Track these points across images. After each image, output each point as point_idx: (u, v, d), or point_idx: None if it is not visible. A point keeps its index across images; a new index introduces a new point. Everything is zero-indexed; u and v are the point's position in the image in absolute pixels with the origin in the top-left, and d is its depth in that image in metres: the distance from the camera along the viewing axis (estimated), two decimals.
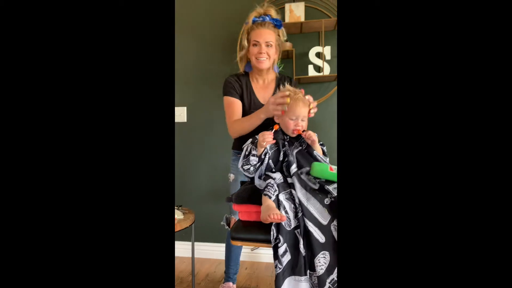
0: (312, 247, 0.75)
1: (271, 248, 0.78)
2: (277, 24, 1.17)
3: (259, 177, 0.93)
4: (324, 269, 0.74)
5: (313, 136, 0.93)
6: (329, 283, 0.73)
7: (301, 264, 0.76)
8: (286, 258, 0.76)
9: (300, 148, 0.96)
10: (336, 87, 1.63)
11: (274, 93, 1.17)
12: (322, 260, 0.75)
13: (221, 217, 1.77)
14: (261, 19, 1.15)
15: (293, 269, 0.76)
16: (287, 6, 1.61)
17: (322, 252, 0.75)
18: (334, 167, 0.83)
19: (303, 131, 0.95)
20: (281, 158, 0.94)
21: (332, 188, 0.81)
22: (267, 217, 0.75)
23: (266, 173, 0.91)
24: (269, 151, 0.93)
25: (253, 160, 0.92)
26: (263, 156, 0.92)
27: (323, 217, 0.78)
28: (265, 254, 1.77)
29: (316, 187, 0.83)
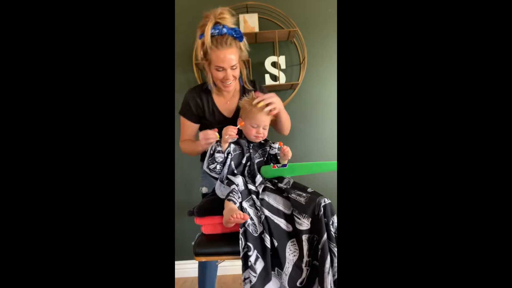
0: (281, 239, 0.77)
1: (240, 260, 0.76)
2: (238, 36, 1.02)
3: (221, 181, 0.90)
4: (297, 255, 0.75)
5: (288, 154, 0.98)
6: (305, 266, 0.75)
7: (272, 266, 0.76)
8: (260, 265, 0.75)
9: (261, 159, 0.99)
10: (292, 95, 1.69)
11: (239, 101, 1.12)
12: (293, 248, 0.77)
13: (186, 235, 1.70)
14: (217, 31, 0.97)
15: (268, 274, 0.75)
16: (241, 16, 1.63)
17: (291, 240, 0.77)
18: (281, 164, 0.92)
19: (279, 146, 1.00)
20: (243, 161, 0.94)
21: (284, 183, 0.90)
22: (229, 217, 0.73)
23: (229, 176, 0.89)
24: (231, 152, 0.92)
25: (219, 157, 0.91)
26: (225, 155, 0.91)
27: (286, 206, 0.83)
28: (230, 266, 1.73)
29: (274, 188, 0.90)
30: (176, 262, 1.77)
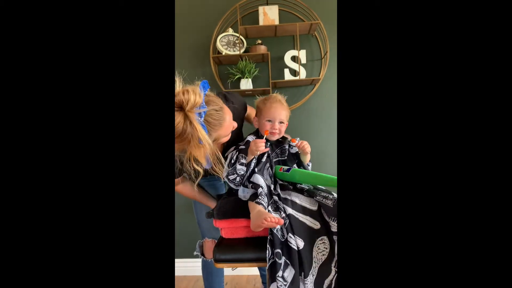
0: (307, 238, 0.72)
1: (266, 268, 0.71)
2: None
3: (244, 185, 0.85)
4: (327, 254, 0.70)
5: (306, 148, 0.92)
6: (334, 266, 0.70)
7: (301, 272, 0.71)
8: (290, 273, 0.69)
9: (279, 158, 0.94)
10: (312, 91, 1.61)
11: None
12: (322, 246, 0.72)
13: (196, 232, 1.66)
14: (201, 118, 0.72)
15: (297, 282, 0.70)
16: (260, 8, 1.56)
17: (320, 238, 0.72)
18: (286, 168, 0.88)
19: (295, 140, 0.93)
20: (263, 159, 0.89)
21: (298, 186, 0.86)
22: (262, 221, 0.67)
23: (252, 180, 0.83)
24: (255, 157, 0.87)
25: (240, 169, 0.85)
26: (246, 168, 0.85)
27: (311, 203, 0.79)
28: (245, 268, 1.68)
29: (291, 188, 0.86)
30: (178, 260, 1.74)
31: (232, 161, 0.87)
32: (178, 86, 0.69)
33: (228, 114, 0.79)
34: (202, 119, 0.71)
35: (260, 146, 0.82)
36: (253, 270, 1.69)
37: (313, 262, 0.70)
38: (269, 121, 0.90)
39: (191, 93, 0.67)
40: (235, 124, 0.84)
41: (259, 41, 1.57)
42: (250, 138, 0.93)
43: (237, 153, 0.87)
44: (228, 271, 1.67)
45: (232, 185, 0.89)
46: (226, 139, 0.83)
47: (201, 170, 0.75)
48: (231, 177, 0.86)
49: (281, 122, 0.91)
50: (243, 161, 0.85)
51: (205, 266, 1.18)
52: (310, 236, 0.73)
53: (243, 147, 0.89)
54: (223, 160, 0.87)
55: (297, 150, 0.96)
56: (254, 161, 0.86)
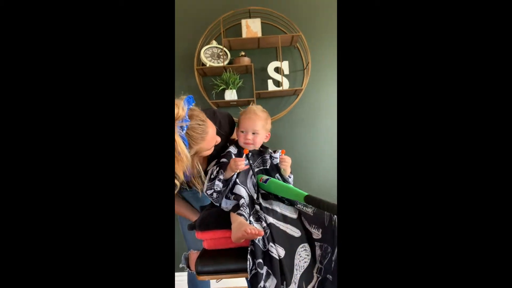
0: (289, 246, 0.72)
1: (248, 280, 0.71)
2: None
3: (226, 197, 0.86)
4: (308, 261, 0.71)
5: (283, 162, 0.93)
6: (316, 272, 0.71)
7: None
8: (272, 283, 0.69)
9: (261, 167, 0.96)
10: (295, 101, 1.65)
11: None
12: (304, 253, 0.73)
13: (182, 244, 1.64)
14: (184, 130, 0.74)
15: None
16: (243, 21, 1.60)
17: (301, 246, 0.73)
18: (265, 178, 0.89)
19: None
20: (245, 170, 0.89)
21: (281, 196, 0.87)
22: (242, 233, 0.67)
23: (235, 192, 0.84)
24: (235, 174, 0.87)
25: (218, 185, 0.85)
26: (223, 184, 0.86)
27: (291, 212, 0.81)
28: (232, 280, 1.66)
29: (273, 197, 0.87)
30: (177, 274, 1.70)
31: (212, 176, 0.87)
32: None
33: (211, 128, 0.81)
34: (184, 132, 0.72)
35: (240, 165, 0.82)
36: (240, 282, 1.67)
37: (295, 270, 0.71)
38: (242, 132, 0.93)
39: (175, 106, 0.70)
40: (218, 139, 0.85)
41: (243, 53, 1.60)
42: (232, 149, 0.94)
43: (217, 168, 0.88)
44: (216, 284, 1.65)
45: (211, 200, 0.89)
46: (208, 152, 0.85)
47: (177, 183, 0.75)
48: (209, 192, 0.86)
49: (254, 133, 0.92)
50: (221, 177, 0.85)
51: (191, 279, 1.16)
52: (291, 244, 0.74)
53: (225, 160, 0.89)
54: (203, 173, 0.88)
55: (277, 161, 0.97)
56: (234, 176, 0.87)
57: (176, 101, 0.73)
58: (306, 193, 0.75)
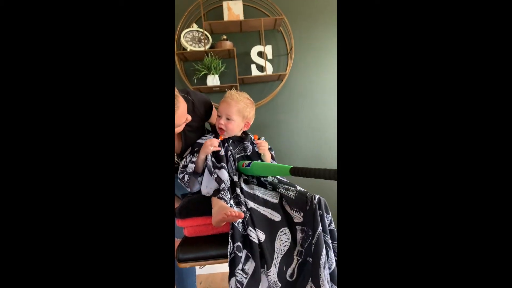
0: (269, 230, 0.73)
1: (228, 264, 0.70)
2: None
3: (210, 172, 0.85)
4: (289, 245, 0.72)
5: (260, 147, 0.94)
6: (296, 255, 0.72)
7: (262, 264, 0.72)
8: (251, 266, 0.70)
9: (242, 154, 0.95)
10: (279, 87, 1.62)
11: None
12: (284, 237, 0.73)
13: None
14: None
15: (258, 274, 0.70)
16: (225, 4, 1.54)
17: (281, 230, 0.74)
18: (247, 162, 0.88)
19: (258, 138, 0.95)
20: (221, 153, 0.89)
21: (263, 180, 0.89)
22: (223, 216, 0.67)
23: (217, 172, 0.83)
24: (208, 155, 0.88)
25: (190, 167, 0.85)
26: (208, 162, 0.86)
27: (272, 197, 0.81)
28: (219, 266, 1.67)
29: (255, 182, 0.88)
30: None
31: (185, 163, 0.87)
32: None
33: (182, 104, 0.79)
34: None
35: (215, 143, 0.84)
36: (227, 268, 1.68)
37: (275, 253, 0.71)
38: (219, 116, 0.92)
39: None
40: (189, 117, 0.84)
41: (225, 37, 1.55)
42: (209, 135, 0.94)
43: (191, 153, 0.88)
44: (203, 270, 1.66)
45: (183, 186, 0.88)
46: (178, 129, 0.83)
47: None
48: (181, 175, 0.86)
49: (228, 119, 0.91)
50: (194, 159, 0.86)
51: (176, 269, 1.15)
52: (272, 228, 0.74)
53: (200, 142, 0.90)
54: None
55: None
56: (210, 157, 0.86)
57: None
58: (291, 166, 0.74)
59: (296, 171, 0.71)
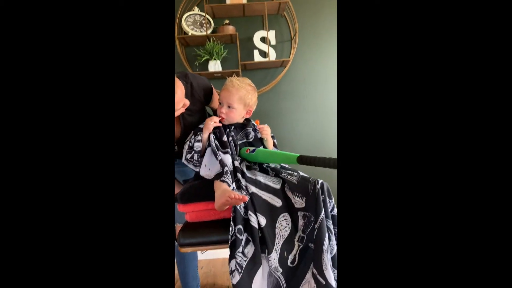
0: (270, 215, 0.73)
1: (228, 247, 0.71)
2: None
3: (214, 153, 0.84)
4: (289, 230, 0.72)
5: (263, 131, 0.93)
6: (297, 241, 0.72)
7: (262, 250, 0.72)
8: (251, 249, 0.70)
9: (244, 140, 0.94)
10: (282, 73, 1.59)
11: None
12: (284, 223, 0.73)
13: None
14: None
15: (258, 258, 0.70)
16: None
17: (282, 215, 0.74)
18: (252, 149, 0.87)
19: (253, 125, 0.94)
20: (224, 139, 0.88)
21: (265, 166, 0.88)
22: (226, 198, 0.66)
23: (220, 154, 0.82)
24: (212, 133, 0.88)
25: (197, 146, 0.85)
26: (212, 142, 0.85)
27: (274, 182, 0.80)
28: (220, 252, 1.70)
29: (257, 168, 0.87)
30: None
31: (190, 144, 0.86)
32: None
33: (179, 88, 0.77)
34: None
35: (215, 119, 0.86)
36: (228, 253, 1.71)
37: (276, 239, 0.71)
38: (220, 103, 0.92)
39: None
40: (187, 102, 0.81)
41: (227, 21, 1.51)
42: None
43: (194, 136, 0.88)
44: (204, 255, 1.68)
45: (191, 166, 0.87)
46: (175, 114, 0.81)
47: None
48: (188, 156, 0.86)
49: (229, 107, 0.89)
50: (199, 138, 0.86)
51: (178, 252, 1.17)
52: (272, 213, 0.74)
53: (201, 126, 0.90)
54: None
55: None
56: (212, 137, 0.86)
57: None
58: (298, 154, 0.73)
59: (303, 160, 0.70)
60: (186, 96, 0.82)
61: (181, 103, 0.78)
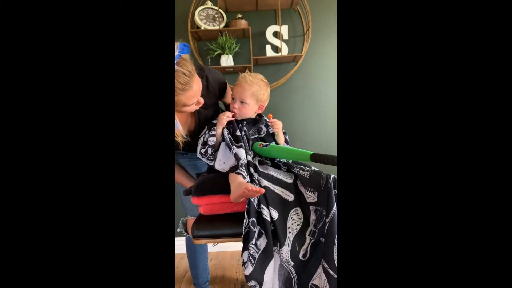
0: (281, 209, 0.74)
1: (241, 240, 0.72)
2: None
3: (229, 146, 0.85)
4: (301, 224, 0.73)
5: (275, 126, 0.93)
6: (309, 235, 0.73)
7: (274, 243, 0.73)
8: (263, 242, 0.71)
9: (256, 135, 0.95)
10: (295, 68, 1.59)
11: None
12: (296, 217, 0.75)
13: (180, 211, 1.66)
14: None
15: (270, 251, 0.72)
16: None
17: (293, 209, 0.75)
18: (265, 144, 0.88)
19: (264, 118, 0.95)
20: (237, 133, 0.89)
21: (277, 161, 0.89)
22: (243, 190, 0.67)
23: (234, 148, 0.83)
24: (225, 128, 0.90)
25: (211, 140, 0.87)
26: (226, 136, 0.87)
27: (286, 177, 0.81)
28: (229, 245, 1.72)
29: (269, 163, 0.88)
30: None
31: (205, 139, 0.88)
32: None
33: (196, 84, 0.76)
34: None
35: (228, 113, 0.88)
36: (237, 246, 1.73)
37: (288, 233, 0.72)
38: (233, 99, 0.93)
39: None
40: (201, 100, 0.82)
41: (240, 15, 1.51)
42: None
43: (208, 130, 0.90)
44: (213, 248, 1.70)
45: (205, 160, 0.89)
46: (187, 109, 0.80)
47: None
48: (203, 150, 0.88)
49: (242, 102, 0.90)
50: (213, 132, 0.88)
51: (189, 244, 1.19)
52: (284, 207, 0.75)
53: (215, 122, 0.91)
54: (181, 128, 0.86)
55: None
56: (226, 132, 0.88)
57: None
58: (311, 152, 0.73)
59: (316, 158, 0.70)
60: (202, 90, 0.83)
61: (194, 99, 0.78)
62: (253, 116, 0.97)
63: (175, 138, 0.83)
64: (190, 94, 0.75)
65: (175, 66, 0.70)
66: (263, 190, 0.68)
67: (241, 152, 0.81)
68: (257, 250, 0.70)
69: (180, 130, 0.83)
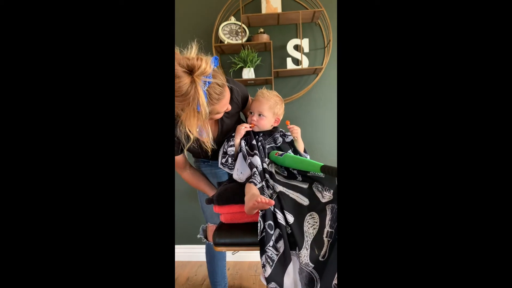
0: (297, 214, 0.76)
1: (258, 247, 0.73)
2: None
3: (244, 157, 0.90)
4: (317, 228, 0.74)
5: (294, 131, 0.99)
6: (326, 237, 0.73)
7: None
8: (282, 245, 0.73)
9: (273, 144, 1.00)
10: (315, 81, 1.60)
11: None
12: (312, 221, 0.76)
13: (200, 218, 1.70)
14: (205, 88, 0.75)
15: (288, 255, 0.73)
16: None
17: (309, 214, 0.76)
18: (281, 153, 0.92)
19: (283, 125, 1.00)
20: (253, 142, 0.94)
21: (292, 169, 0.89)
22: (254, 202, 0.69)
23: (250, 158, 0.87)
24: (243, 139, 0.96)
25: (231, 150, 0.93)
26: (243, 147, 0.93)
27: (301, 183, 0.84)
28: (247, 255, 1.72)
29: (285, 174, 0.90)
30: (179, 246, 1.78)
31: (224, 150, 0.94)
32: (194, 52, 0.75)
33: (227, 93, 0.83)
34: (205, 88, 0.75)
35: (245, 125, 0.94)
36: (254, 257, 1.73)
37: (305, 237, 0.72)
38: (251, 113, 1.00)
39: (204, 61, 0.73)
40: (229, 107, 0.88)
41: (262, 30, 1.56)
42: None
43: (227, 141, 0.96)
44: (231, 257, 1.72)
45: (226, 169, 0.94)
46: (218, 116, 0.87)
47: (191, 135, 0.78)
48: (223, 159, 0.93)
49: (260, 115, 0.97)
50: (232, 143, 0.94)
51: (209, 250, 1.22)
52: (300, 211, 0.76)
53: (231, 137, 0.98)
54: (210, 134, 0.89)
55: (292, 138, 1.01)
56: (244, 143, 0.92)
57: (206, 57, 0.75)
58: (322, 163, 0.76)
59: (326, 169, 0.73)
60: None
61: (225, 107, 0.85)
62: (270, 128, 1.03)
63: (204, 146, 0.88)
64: (224, 103, 0.82)
65: (211, 78, 0.75)
66: (273, 202, 0.70)
67: (256, 160, 0.84)
68: (276, 253, 0.72)
69: (210, 138, 0.88)
